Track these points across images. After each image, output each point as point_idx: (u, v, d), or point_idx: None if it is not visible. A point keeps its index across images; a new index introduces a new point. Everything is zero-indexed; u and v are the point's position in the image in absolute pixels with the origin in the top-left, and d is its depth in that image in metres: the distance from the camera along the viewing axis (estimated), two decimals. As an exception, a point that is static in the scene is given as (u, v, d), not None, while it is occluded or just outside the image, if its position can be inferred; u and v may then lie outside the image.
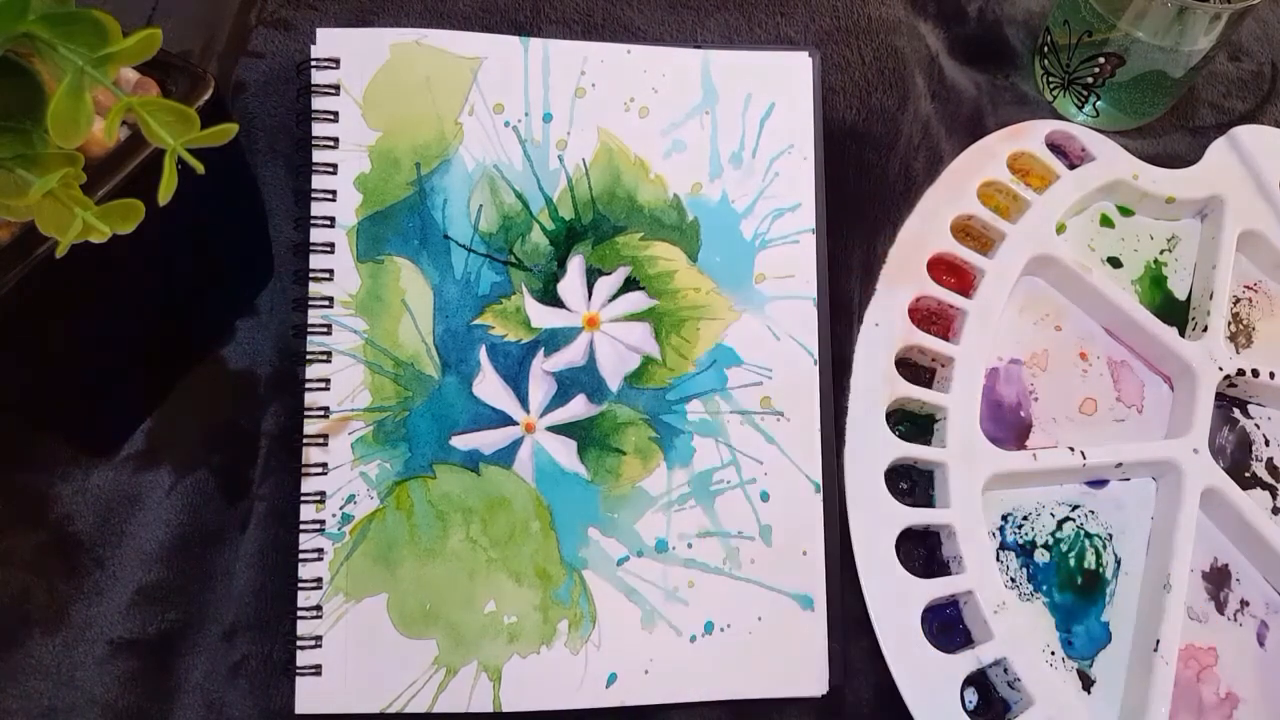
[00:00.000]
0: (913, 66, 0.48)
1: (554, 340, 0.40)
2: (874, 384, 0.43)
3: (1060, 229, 0.48)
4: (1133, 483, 0.46)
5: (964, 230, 0.48)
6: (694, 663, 0.39)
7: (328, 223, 0.38)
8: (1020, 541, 0.44)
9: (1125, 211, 0.50)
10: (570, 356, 0.40)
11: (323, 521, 0.37)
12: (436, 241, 0.39)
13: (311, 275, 0.38)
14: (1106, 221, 0.50)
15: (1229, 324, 0.49)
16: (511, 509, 0.38)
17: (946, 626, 0.42)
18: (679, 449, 0.40)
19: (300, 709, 0.36)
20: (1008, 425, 0.46)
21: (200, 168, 0.25)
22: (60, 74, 0.24)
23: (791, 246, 0.42)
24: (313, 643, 0.37)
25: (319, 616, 0.37)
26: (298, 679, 0.36)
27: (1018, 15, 0.55)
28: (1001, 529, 0.44)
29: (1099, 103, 0.51)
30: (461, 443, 0.38)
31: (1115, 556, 0.45)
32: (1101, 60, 0.48)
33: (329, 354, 0.38)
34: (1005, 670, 0.41)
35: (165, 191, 0.25)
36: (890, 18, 0.48)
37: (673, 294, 0.41)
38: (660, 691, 0.39)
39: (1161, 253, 0.50)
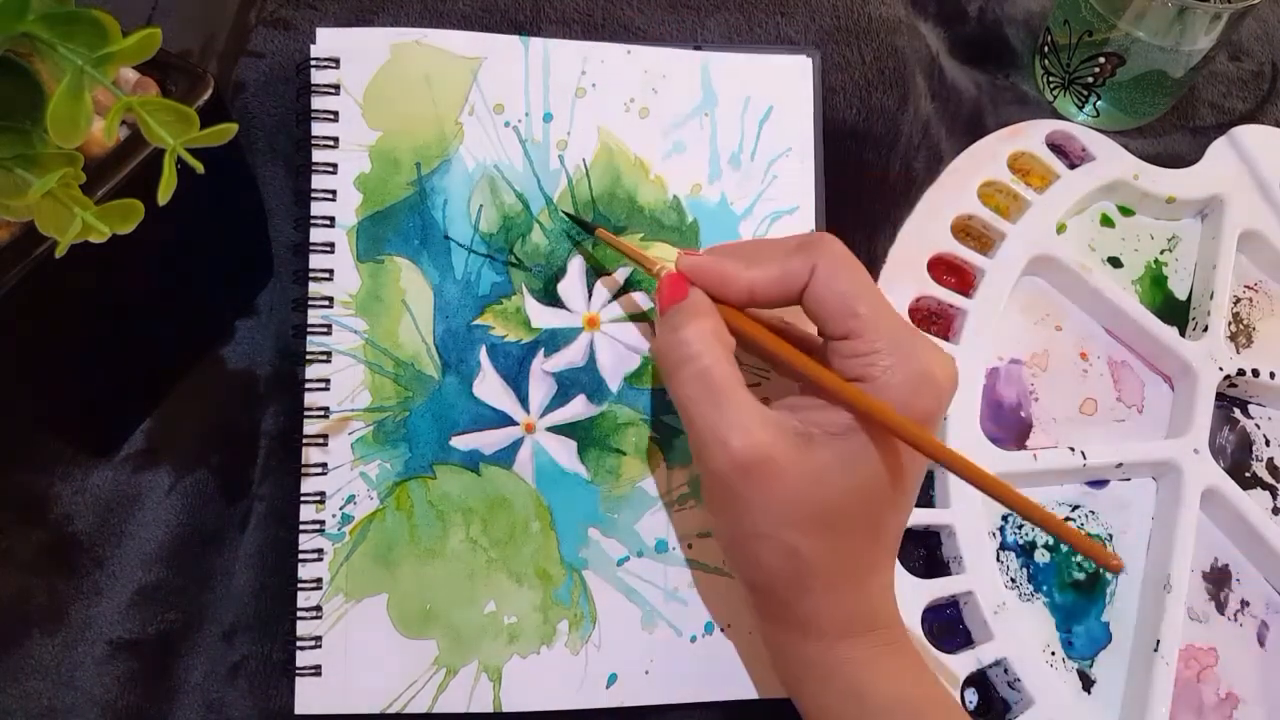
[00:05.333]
0: (913, 66, 0.48)
1: (554, 340, 0.40)
2: (874, 384, 0.43)
3: (1060, 229, 0.48)
4: (1133, 483, 0.46)
5: (964, 230, 0.48)
6: (694, 663, 0.39)
7: (328, 223, 0.38)
8: (1020, 541, 0.44)
9: (1126, 211, 0.50)
10: (570, 357, 0.40)
11: (322, 522, 0.37)
12: (437, 242, 0.39)
13: (311, 275, 0.38)
14: (1107, 221, 0.50)
15: (1229, 324, 0.49)
16: (512, 509, 0.38)
17: (946, 627, 0.42)
18: (679, 449, 0.40)
19: (300, 709, 0.36)
20: (1008, 425, 0.46)
21: (200, 167, 0.25)
22: (60, 74, 0.24)
23: (791, 246, 0.42)
24: (312, 643, 0.37)
25: (319, 617, 0.37)
26: (297, 679, 0.36)
27: (1018, 15, 0.55)
28: (1001, 529, 0.44)
29: (1099, 103, 0.51)
30: (462, 443, 0.38)
31: (1115, 557, 0.45)
32: (1102, 60, 0.48)
33: (329, 354, 0.38)
34: (1005, 670, 0.41)
35: (165, 191, 0.25)
36: (891, 18, 0.48)
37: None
38: (660, 692, 0.39)
39: (1162, 253, 0.50)
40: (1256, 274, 0.51)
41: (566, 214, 0.40)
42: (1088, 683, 0.43)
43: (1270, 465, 0.48)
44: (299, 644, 0.36)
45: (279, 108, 0.42)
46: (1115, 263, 0.49)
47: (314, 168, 0.38)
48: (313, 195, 0.38)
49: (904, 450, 0.32)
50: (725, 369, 0.32)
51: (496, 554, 0.38)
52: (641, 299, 0.40)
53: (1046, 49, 0.51)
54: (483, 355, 0.39)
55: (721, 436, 0.31)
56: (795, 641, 0.33)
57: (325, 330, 0.38)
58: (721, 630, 0.39)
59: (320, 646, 0.37)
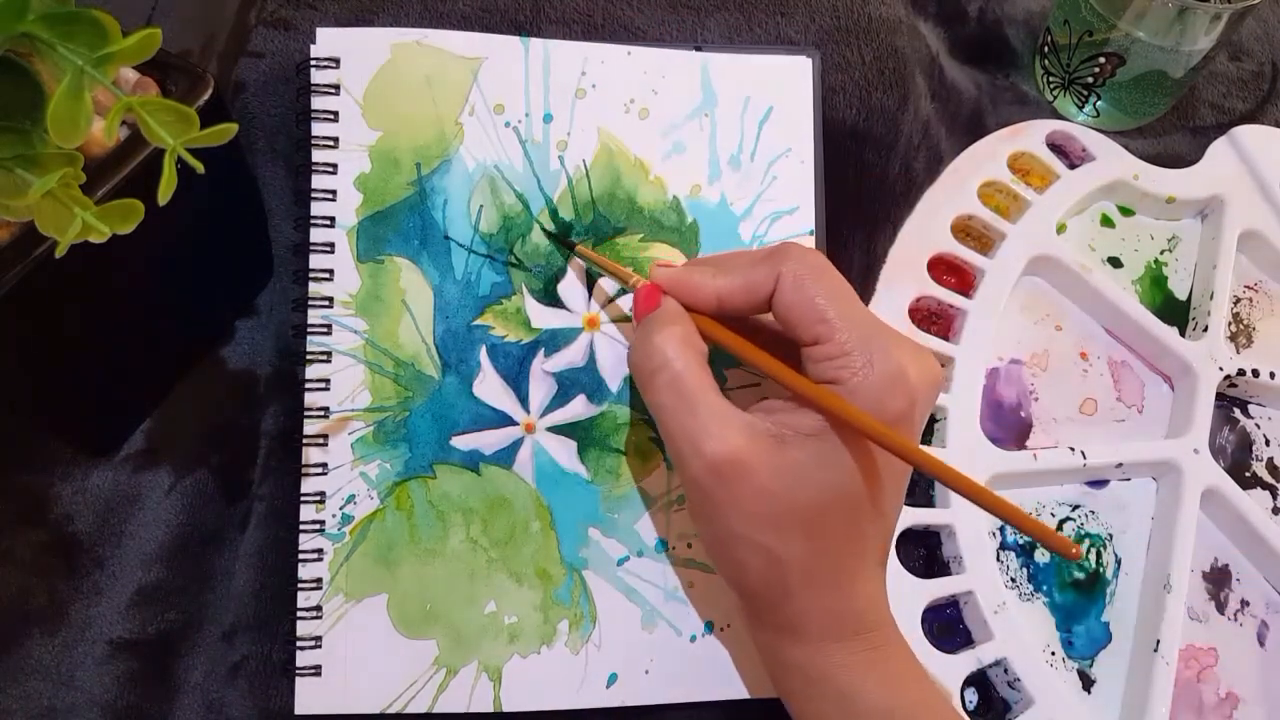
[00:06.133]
0: (913, 66, 0.48)
1: (554, 341, 0.40)
2: (874, 384, 0.43)
3: (1061, 229, 0.48)
4: (1133, 483, 0.46)
5: (964, 230, 0.48)
6: (694, 663, 0.39)
7: (328, 223, 0.38)
8: (1020, 541, 0.44)
9: (1126, 211, 0.50)
10: (570, 357, 0.40)
11: (322, 522, 0.37)
12: (437, 242, 0.39)
13: (311, 275, 0.38)
14: (1107, 221, 0.50)
15: (1229, 324, 0.49)
16: (512, 509, 0.38)
17: (946, 626, 0.42)
18: (679, 449, 0.40)
19: (300, 709, 0.36)
20: (1008, 425, 0.46)
21: (200, 168, 0.25)
22: (60, 74, 0.24)
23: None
24: (312, 643, 0.37)
25: (319, 617, 0.37)
26: (297, 679, 0.36)
27: (1018, 15, 0.55)
28: (1002, 529, 0.44)
29: (1099, 103, 0.51)
30: (462, 443, 0.38)
31: (1115, 556, 0.45)
32: (1102, 60, 0.48)
33: (329, 354, 0.38)
34: (1005, 670, 0.41)
35: (165, 191, 0.25)
36: (890, 18, 0.48)
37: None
38: (660, 691, 0.39)
39: (1162, 253, 0.50)
40: (1256, 274, 0.51)
41: (547, 233, 0.40)
42: (1088, 683, 0.43)
43: (1270, 465, 0.48)
44: (299, 644, 0.36)
45: (279, 108, 0.42)
46: (1115, 263, 0.49)
47: (314, 168, 0.38)
48: (313, 195, 0.38)
49: (879, 450, 0.32)
50: (697, 374, 0.32)
51: (496, 554, 0.38)
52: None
53: (1046, 49, 0.51)
54: (483, 355, 0.39)
55: (694, 441, 0.31)
56: (783, 645, 0.33)
57: (325, 330, 0.38)
58: (721, 630, 0.39)
59: (320, 646, 0.37)
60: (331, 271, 0.38)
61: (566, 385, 0.39)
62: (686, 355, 0.33)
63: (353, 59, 0.39)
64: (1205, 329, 0.47)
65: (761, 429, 0.32)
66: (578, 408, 0.39)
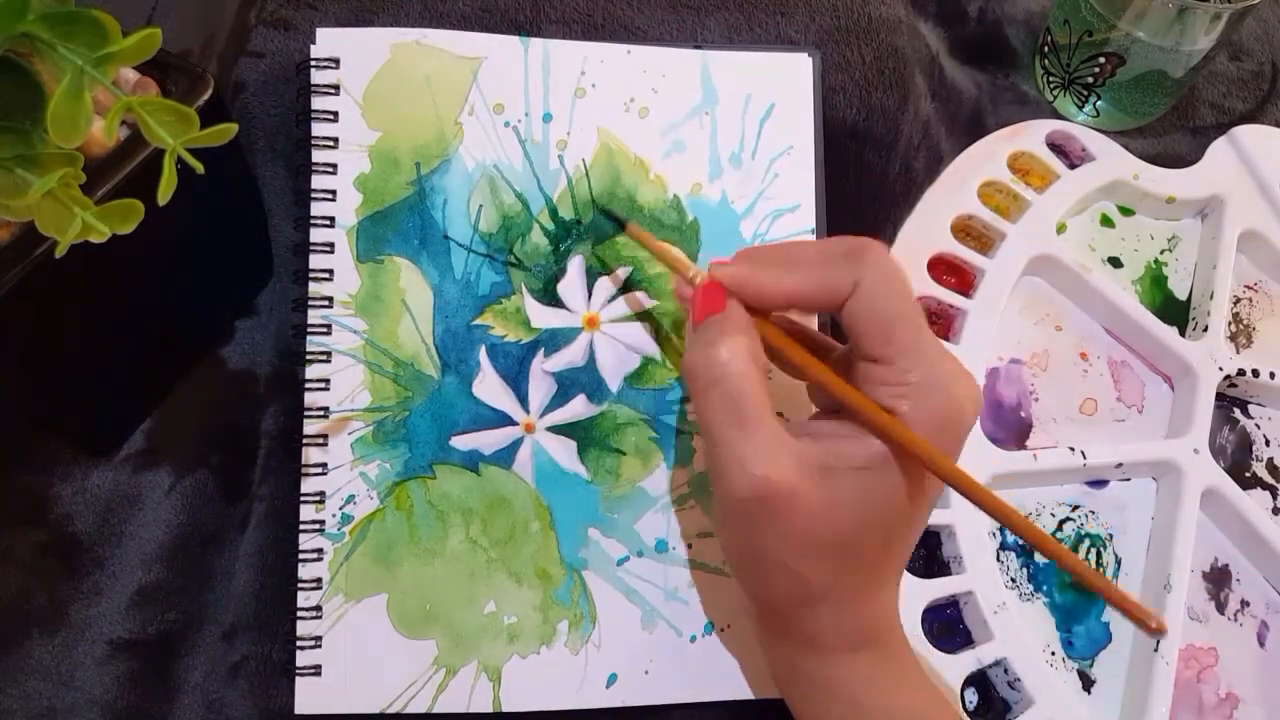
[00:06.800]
0: (913, 66, 0.48)
1: (554, 340, 0.40)
2: (874, 384, 0.43)
3: (1061, 229, 0.48)
4: (1133, 483, 0.46)
5: (964, 230, 0.48)
6: (694, 663, 0.39)
7: (327, 223, 0.38)
8: (1020, 542, 0.44)
9: (1126, 211, 0.50)
10: (570, 357, 0.40)
11: (322, 522, 0.37)
12: (436, 242, 0.39)
13: (311, 275, 0.38)
14: (1107, 221, 0.50)
15: (1229, 324, 0.49)
16: (511, 509, 0.38)
17: (946, 626, 0.42)
18: (679, 449, 0.40)
19: (300, 709, 0.36)
20: (1008, 425, 0.46)
21: (200, 167, 0.25)
22: (60, 74, 0.24)
23: (791, 246, 0.42)
24: (312, 643, 0.37)
25: (319, 617, 0.37)
26: (297, 679, 0.36)
27: (1018, 15, 0.55)
28: (1002, 529, 0.44)
29: (1099, 102, 0.51)
30: (461, 443, 0.38)
31: (1115, 557, 0.45)
32: (1102, 60, 0.48)
33: (329, 354, 0.38)
34: (1005, 670, 0.41)
35: (165, 191, 0.25)
36: (890, 17, 0.48)
37: (672, 294, 0.41)
38: (660, 691, 0.39)
39: (1162, 253, 0.50)
40: (1256, 274, 0.51)
41: (600, 209, 0.40)
42: (1088, 683, 0.43)
43: (1270, 465, 0.48)
44: (299, 644, 0.37)
45: (279, 108, 0.42)
46: (1115, 263, 0.49)
47: (314, 168, 0.38)
48: (313, 195, 0.38)
49: (923, 481, 0.31)
50: (756, 392, 0.31)
51: (496, 554, 0.38)
52: (642, 298, 0.40)
53: (1046, 49, 0.51)
54: (482, 355, 0.39)
55: (744, 463, 0.30)
56: (793, 653, 0.33)
57: (325, 330, 0.38)
58: (721, 630, 0.39)
59: (320, 646, 0.37)
60: (331, 271, 0.38)
61: (566, 385, 0.39)
62: (750, 372, 0.31)
63: (352, 59, 0.39)
64: (1205, 329, 0.47)
65: (811, 459, 0.30)
66: (577, 407, 0.39)
